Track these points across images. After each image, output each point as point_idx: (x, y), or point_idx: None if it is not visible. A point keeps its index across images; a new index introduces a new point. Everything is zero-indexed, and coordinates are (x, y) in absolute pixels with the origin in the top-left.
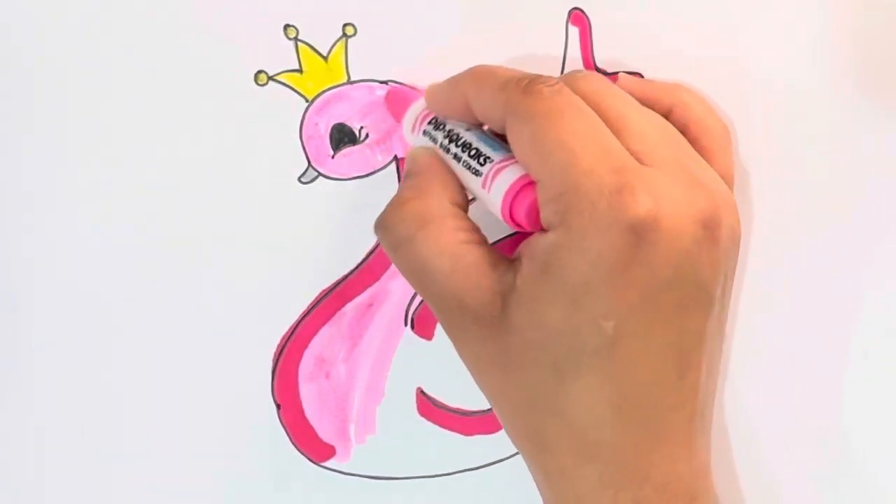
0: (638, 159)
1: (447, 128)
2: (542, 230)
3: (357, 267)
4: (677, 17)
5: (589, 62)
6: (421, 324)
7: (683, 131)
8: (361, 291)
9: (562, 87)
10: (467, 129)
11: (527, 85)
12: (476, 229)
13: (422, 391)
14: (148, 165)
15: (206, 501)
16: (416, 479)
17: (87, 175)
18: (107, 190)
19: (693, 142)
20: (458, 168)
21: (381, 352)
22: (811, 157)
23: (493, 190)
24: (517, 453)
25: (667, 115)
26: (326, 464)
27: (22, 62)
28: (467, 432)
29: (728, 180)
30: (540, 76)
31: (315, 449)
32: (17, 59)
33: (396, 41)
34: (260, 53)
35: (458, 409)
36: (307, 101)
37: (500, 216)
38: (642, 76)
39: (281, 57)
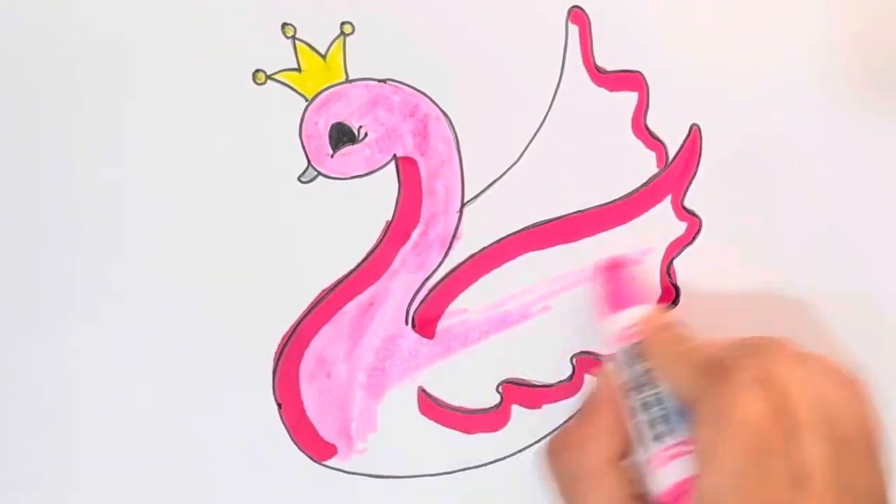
0: (799, 476)
1: (640, 369)
2: None
3: (357, 266)
4: (677, 15)
5: (588, 60)
6: (422, 323)
7: None
8: (362, 290)
9: (756, 378)
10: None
11: (721, 373)
12: (631, 482)
13: (423, 390)
14: (146, 165)
15: (207, 501)
16: (418, 478)
17: (83, 175)
18: (104, 190)
19: None
20: (632, 422)
21: (381, 351)
22: (811, 157)
23: (660, 475)
24: (519, 451)
25: None
26: (328, 463)
27: (22, 64)
28: (469, 430)
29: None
30: (737, 361)
31: (316, 448)
32: (17, 62)
33: (394, 40)
34: (258, 52)
35: (459, 407)
36: (306, 100)
37: (654, 495)
38: (642, 75)
39: (279, 56)
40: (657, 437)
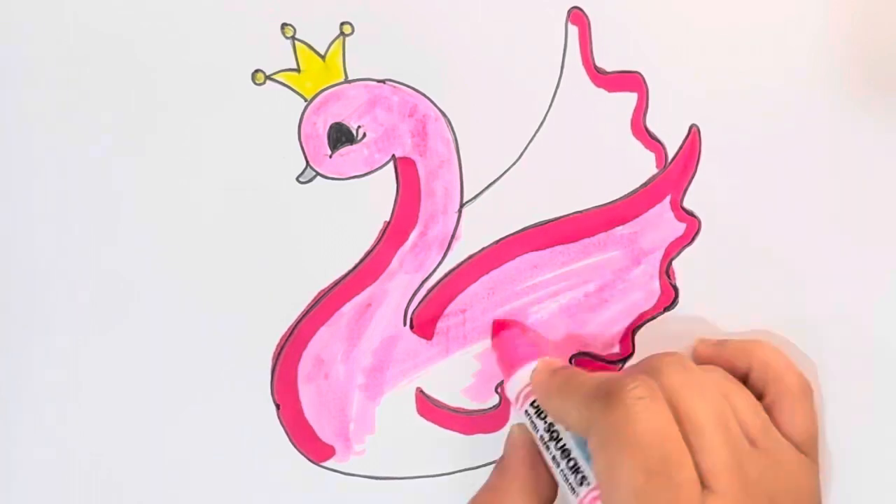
0: (703, 480)
1: (548, 420)
2: None
3: (355, 267)
4: (677, 15)
5: (588, 61)
6: (420, 324)
7: (763, 392)
8: (360, 291)
9: (644, 393)
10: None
11: (608, 395)
12: None
13: (421, 391)
14: (144, 165)
15: (205, 501)
16: (416, 479)
17: (81, 174)
18: (103, 189)
19: (773, 403)
20: (555, 471)
21: (379, 352)
22: (810, 157)
23: None
24: None
25: (746, 376)
26: (326, 464)
27: (21, 64)
28: (467, 432)
29: (811, 438)
30: (623, 381)
31: (314, 449)
32: (16, 61)
33: (394, 40)
34: (257, 52)
35: (457, 408)
36: (305, 100)
37: None
38: (642, 75)
39: (278, 56)
40: (579, 484)
